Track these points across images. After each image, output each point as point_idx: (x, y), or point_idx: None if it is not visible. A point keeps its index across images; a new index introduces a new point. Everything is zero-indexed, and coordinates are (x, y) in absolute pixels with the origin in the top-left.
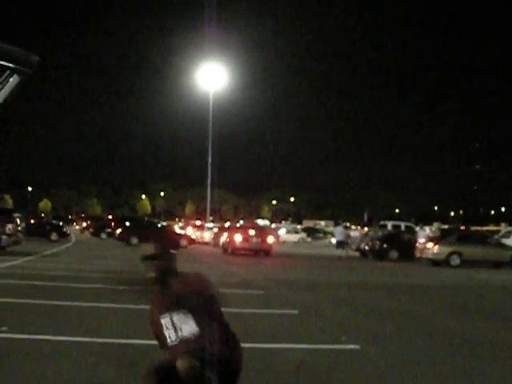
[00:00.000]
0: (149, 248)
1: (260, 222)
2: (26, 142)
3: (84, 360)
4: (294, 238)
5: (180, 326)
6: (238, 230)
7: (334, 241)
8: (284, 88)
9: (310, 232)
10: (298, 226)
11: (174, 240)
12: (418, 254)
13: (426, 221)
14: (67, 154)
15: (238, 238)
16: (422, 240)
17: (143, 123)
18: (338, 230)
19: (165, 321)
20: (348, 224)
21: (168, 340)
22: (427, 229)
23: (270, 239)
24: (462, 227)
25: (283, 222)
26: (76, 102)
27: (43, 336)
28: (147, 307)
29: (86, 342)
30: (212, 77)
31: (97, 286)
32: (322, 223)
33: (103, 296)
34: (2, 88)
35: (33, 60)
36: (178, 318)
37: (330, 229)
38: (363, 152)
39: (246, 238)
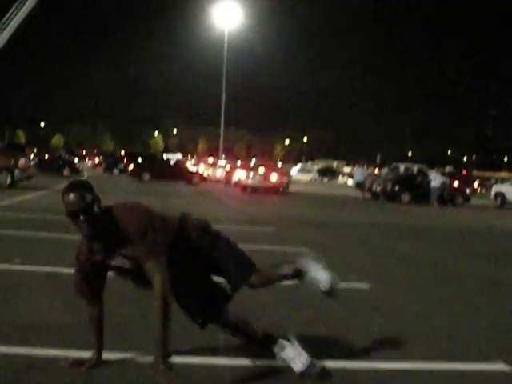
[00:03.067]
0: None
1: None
2: (39, 77)
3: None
4: (307, 177)
5: None
6: (250, 168)
7: (349, 181)
8: (299, 26)
9: (325, 172)
10: (313, 166)
11: (187, 177)
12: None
13: (438, 165)
14: (81, 90)
15: (251, 176)
16: (434, 184)
17: (158, 60)
18: (359, 171)
19: None
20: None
21: None
22: (434, 173)
23: (282, 178)
24: (464, 172)
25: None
26: (91, 38)
27: (55, 268)
28: None
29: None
30: (227, 15)
31: None
32: (335, 164)
33: None
34: (18, 11)
35: None
36: None
37: (347, 169)
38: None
39: (259, 176)
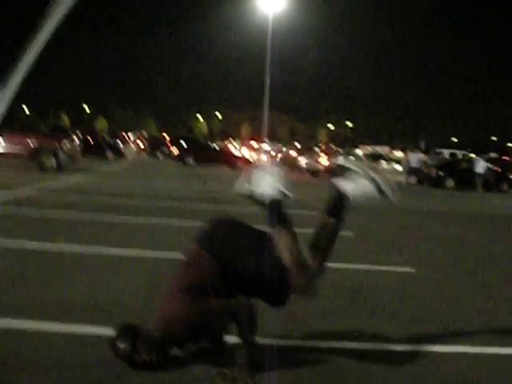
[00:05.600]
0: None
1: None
2: (83, 61)
3: (143, 272)
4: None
5: None
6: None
7: (398, 167)
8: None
9: (373, 158)
10: (357, 151)
11: (232, 161)
12: None
13: (483, 151)
14: (124, 74)
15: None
16: (479, 169)
17: (200, 44)
18: (414, 157)
19: None
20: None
21: None
22: (478, 158)
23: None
24: (505, 157)
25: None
26: (135, 25)
27: (100, 249)
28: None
29: (145, 256)
30: (271, 1)
31: (152, 204)
32: (378, 149)
33: (161, 212)
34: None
35: None
36: None
37: (397, 155)
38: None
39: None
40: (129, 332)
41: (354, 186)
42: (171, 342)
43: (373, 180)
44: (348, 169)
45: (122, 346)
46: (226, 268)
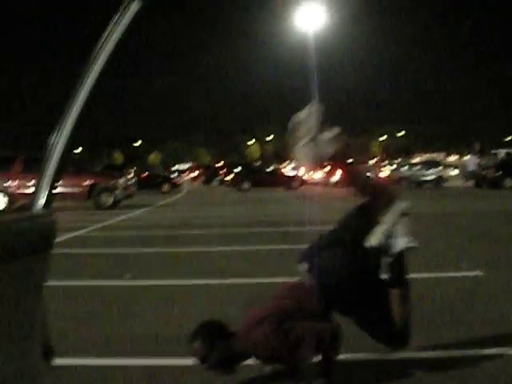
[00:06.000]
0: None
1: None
2: (129, 98)
3: (210, 301)
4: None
5: None
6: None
7: (454, 172)
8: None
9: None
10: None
11: (285, 182)
12: None
13: None
14: (173, 107)
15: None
16: None
17: (245, 69)
18: (471, 160)
19: None
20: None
21: None
22: None
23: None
24: None
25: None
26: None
27: (167, 281)
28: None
29: (212, 284)
30: (311, 16)
31: (213, 232)
32: (434, 155)
33: (223, 240)
34: (122, 19)
35: None
36: None
37: (451, 159)
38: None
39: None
40: (206, 331)
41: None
42: (248, 356)
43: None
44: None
45: (196, 345)
46: (331, 295)
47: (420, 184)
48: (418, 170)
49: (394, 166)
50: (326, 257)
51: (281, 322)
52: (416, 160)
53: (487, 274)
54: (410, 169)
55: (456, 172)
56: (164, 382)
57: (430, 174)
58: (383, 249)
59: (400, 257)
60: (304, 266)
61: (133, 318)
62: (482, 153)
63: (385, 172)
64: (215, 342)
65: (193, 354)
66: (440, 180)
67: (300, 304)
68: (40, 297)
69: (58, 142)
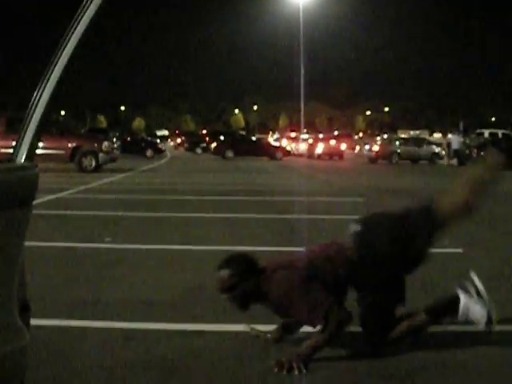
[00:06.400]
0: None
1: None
2: (116, 62)
3: (187, 266)
4: None
5: None
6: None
7: (438, 150)
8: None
9: (416, 141)
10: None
11: (270, 152)
12: None
13: None
14: (158, 72)
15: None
16: None
17: (234, 38)
18: (455, 139)
19: None
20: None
21: None
22: None
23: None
24: None
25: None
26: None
27: (147, 246)
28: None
29: (190, 250)
30: None
31: (194, 198)
32: (417, 132)
33: (203, 206)
34: None
35: None
36: None
37: (435, 137)
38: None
39: None
40: (237, 263)
41: (470, 307)
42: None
43: (489, 312)
44: (476, 288)
45: (224, 273)
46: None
47: (415, 160)
48: (411, 146)
49: (384, 141)
50: (375, 234)
51: (307, 277)
52: (405, 135)
53: (466, 251)
54: (402, 144)
55: (439, 150)
56: (139, 345)
57: (425, 151)
58: None
59: None
60: (354, 227)
61: (111, 282)
62: (465, 132)
63: (376, 148)
64: (244, 275)
65: (217, 280)
66: (434, 156)
67: (331, 263)
68: (21, 248)
69: (40, 98)
